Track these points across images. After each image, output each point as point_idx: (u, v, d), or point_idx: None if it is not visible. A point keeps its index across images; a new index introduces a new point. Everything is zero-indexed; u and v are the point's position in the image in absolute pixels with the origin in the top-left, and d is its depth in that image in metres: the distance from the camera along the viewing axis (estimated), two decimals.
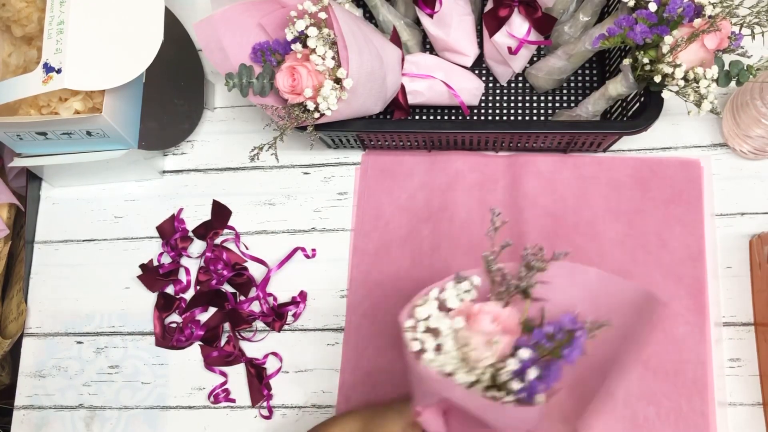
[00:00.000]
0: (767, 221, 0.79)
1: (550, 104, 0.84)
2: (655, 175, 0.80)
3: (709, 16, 0.62)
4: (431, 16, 0.80)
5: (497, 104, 0.85)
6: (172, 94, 0.84)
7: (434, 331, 0.51)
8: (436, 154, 0.83)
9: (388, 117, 0.84)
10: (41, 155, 0.80)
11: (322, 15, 0.68)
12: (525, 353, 0.49)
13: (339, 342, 0.80)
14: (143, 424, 0.80)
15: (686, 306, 0.75)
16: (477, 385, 0.51)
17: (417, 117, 0.85)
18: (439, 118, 0.85)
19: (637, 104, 0.74)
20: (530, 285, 0.54)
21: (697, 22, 0.62)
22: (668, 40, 0.63)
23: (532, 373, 0.48)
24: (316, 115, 0.70)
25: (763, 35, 0.64)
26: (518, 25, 0.78)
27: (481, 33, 0.85)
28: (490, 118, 0.85)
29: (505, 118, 0.84)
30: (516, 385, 0.49)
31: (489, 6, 0.79)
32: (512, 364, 0.49)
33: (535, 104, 0.84)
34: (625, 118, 0.77)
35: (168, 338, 0.82)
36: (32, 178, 0.88)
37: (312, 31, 0.67)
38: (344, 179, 0.85)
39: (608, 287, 0.56)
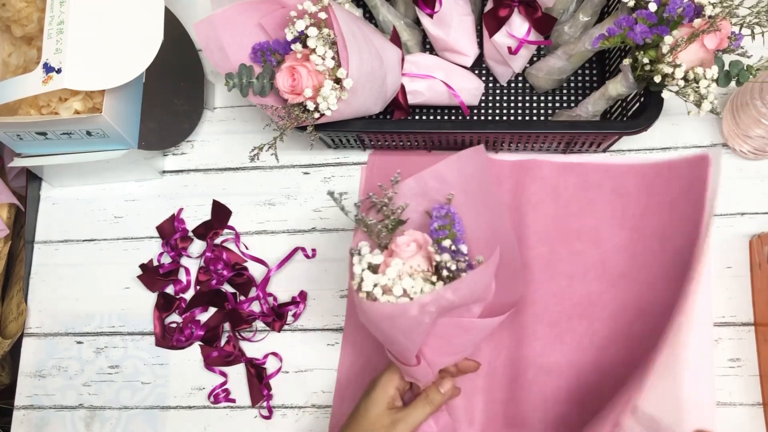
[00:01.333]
0: (767, 221, 0.79)
1: (550, 104, 0.84)
2: (662, 177, 0.79)
3: (709, 16, 0.62)
4: (431, 16, 0.80)
5: (497, 104, 0.85)
6: (172, 94, 0.84)
7: (385, 288, 0.60)
8: (440, 154, 0.83)
9: (388, 117, 0.84)
10: (41, 155, 0.80)
11: (322, 15, 0.67)
12: (444, 245, 0.63)
13: (339, 342, 0.80)
14: (143, 424, 0.80)
15: (688, 314, 0.74)
16: (439, 284, 0.61)
17: (417, 117, 0.85)
18: (439, 118, 0.85)
19: (637, 104, 0.74)
20: (396, 216, 0.65)
21: (697, 22, 0.62)
22: (668, 40, 0.63)
23: (450, 244, 0.63)
24: (316, 115, 0.70)
25: (763, 35, 0.64)
26: (518, 25, 0.78)
27: (481, 33, 0.85)
28: (490, 118, 0.85)
29: (505, 118, 0.84)
30: (452, 263, 0.61)
31: (489, 6, 0.79)
32: (443, 256, 0.62)
33: (535, 104, 0.84)
34: (625, 118, 0.77)
35: (168, 338, 0.82)
36: (32, 178, 0.88)
37: (312, 31, 0.67)
38: (344, 179, 0.85)
39: (441, 174, 0.69)
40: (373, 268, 0.61)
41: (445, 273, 0.61)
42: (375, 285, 0.59)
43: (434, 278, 0.62)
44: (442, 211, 0.66)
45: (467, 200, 0.68)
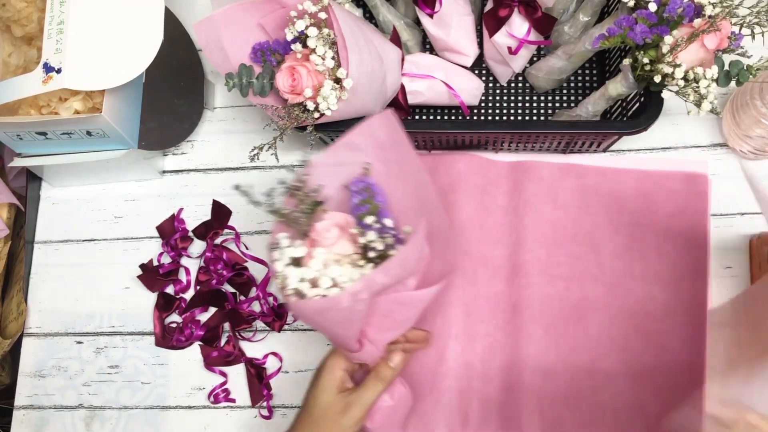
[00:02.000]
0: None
1: (550, 104, 0.84)
2: (660, 187, 0.79)
3: (709, 16, 0.62)
4: (431, 16, 0.80)
5: (497, 104, 0.85)
6: (172, 94, 0.84)
7: (313, 281, 0.56)
8: (440, 155, 0.83)
9: None
10: (41, 155, 0.80)
11: (322, 15, 0.67)
12: (367, 222, 0.60)
13: None
14: (143, 424, 0.80)
15: (684, 322, 0.74)
16: (368, 271, 0.58)
17: (417, 117, 0.85)
18: (439, 118, 0.85)
19: (637, 104, 0.74)
20: (312, 200, 0.61)
21: (697, 22, 0.62)
22: (668, 40, 0.63)
23: (374, 220, 0.60)
24: (316, 115, 0.70)
25: (763, 35, 0.64)
26: (518, 25, 0.78)
27: (481, 33, 0.85)
28: (490, 118, 0.84)
29: (505, 118, 0.84)
30: (378, 242, 0.58)
31: (489, 6, 0.79)
32: (368, 236, 0.59)
33: (535, 104, 0.84)
34: (625, 118, 0.77)
35: (168, 338, 0.82)
36: (32, 178, 0.88)
37: (312, 31, 0.67)
38: None
39: (355, 144, 0.65)
40: (297, 262, 0.58)
41: (372, 254, 0.58)
42: (301, 280, 0.56)
43: (362, 261, 0.59)
44: (361, 184, 0.62)
45: (386, 170, 0.64)
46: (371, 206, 0.61)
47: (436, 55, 0.85)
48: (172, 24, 0.86)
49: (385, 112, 0.64)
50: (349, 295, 0.55)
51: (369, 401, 0.63)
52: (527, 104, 0.85)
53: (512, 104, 0.85)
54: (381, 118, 0.64)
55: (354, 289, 0.55)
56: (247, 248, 0.84)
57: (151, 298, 0.84)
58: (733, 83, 0.65)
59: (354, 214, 0.61)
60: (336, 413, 0.62)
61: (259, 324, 0.81)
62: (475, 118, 0.85)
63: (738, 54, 0.65)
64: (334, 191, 0.64)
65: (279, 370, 0.80)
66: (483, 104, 0.85)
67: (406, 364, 0.67)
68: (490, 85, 0.85)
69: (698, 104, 0.64)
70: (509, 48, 0.79)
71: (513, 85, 0.85)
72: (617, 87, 0.71)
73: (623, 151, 0.82)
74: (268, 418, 0.79)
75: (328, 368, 0.64)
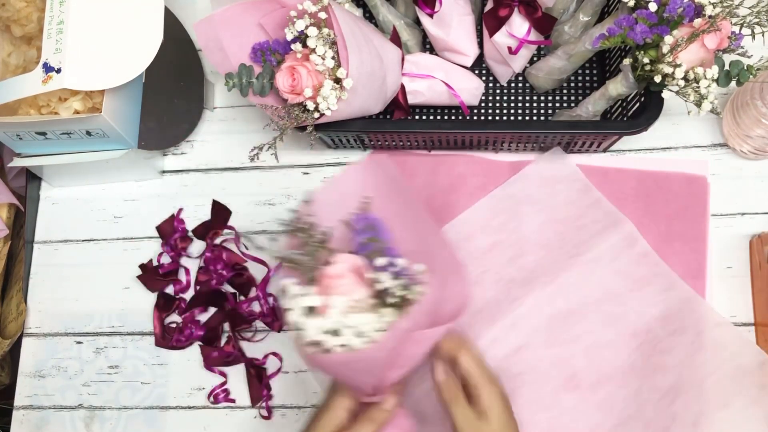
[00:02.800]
0: (767, 221, 0.79)
1: (550, 104, 0.84)
2: (660, 189, 0.79)
3: (709, 16, 0.62)
4: (431, 16, 0.80)
5: (497, 104, 0.85)
6: (172, 94, 0.84)
7: (335, 331, 0.53)
8: (440, 155, 0.83)
9: (388, 117, 0.84)
10: (41, 155, 0.80)
11: (322, 15, 0.67)
12: (379, 263, 0.55)
13: None
14: (143, 424, 0.80)
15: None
16: (389, 316, 0.54)
17: (417, 117, 0.85)
18: (439, 118, 0.85)
19: (637, 104, 0.74)
20: (318, 240, 0.57)
21: (697, 22, 0.62)
22: (668, 40, 0.63)
23: (387, 263, 0.55)
24: (316, 115, 0.70)
25: (763, 35, 0.64)
26: (518, 25, 0.78)
27: (481, 33, 0.85)
28: (490, 118, 0.84)
29: (505, 118, 0.84)
30: (398, 288, 0.54)
31: (489, 6, 0.79)
32: (383, 280, 0.54)
33: (535, 104, 0.84)
34: (625, 118, 0.77)
35: (168, 338, 0.82)
36: (32, 178, 0.88)
37: (312, 31, 0.67)
38: None
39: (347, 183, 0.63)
40: (312, 310, 0.54)
41: (390, 300, 0.54)
42: (322, 332, 0.52)
43: (377, 304, 0.55)
44: (364, 221, 0.58)
45: (385, 206, 0.61)
46: (379, 245, 0.57)
47: (436, 55, 0.85)
48: (172, 24, 0.86)
49: (372, 158, 0.62)
50: (380, 347, 0.52)
51: None
52: (527, 104, 0.85)
53: (512, 104, 0.85)
54: (370, 164, 0.63)
55: (386, 341, 0.52)
56: (246, 248, 0.84)
57: (151, 298, 0.84)
58: (733, 83, 0.65)
59: (360, 253, 0.57)
60: None
61: (259, 324, 0.81)
62: (475, 118, 0.85)
63: (738, 54, 0.65)
64: (334, 228, 0.60)
65: (279, 370, 0.80)
66: (483, 104, 0.85)
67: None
68: (490, 85, 0.85)
69: (698, 104, 0.64)
70: (509, 48, 0.79)
71: (513, 85, 0.85)
72: (617, 87, 0.71)
73: (623, 151, 0.82)
74: (268, 418, 0.79)
75: (332, 408, 0.59)
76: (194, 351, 0.82)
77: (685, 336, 0.73)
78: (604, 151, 0.81)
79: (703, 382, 0.71)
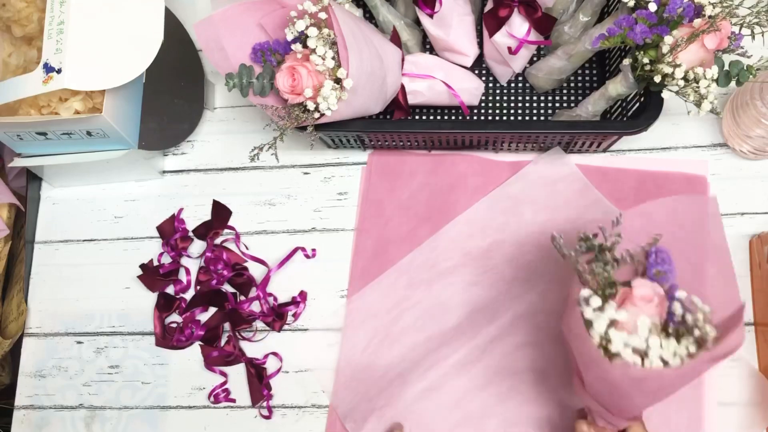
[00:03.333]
0: (767, 221, 0.79)
1: (550, 104, 0.84)
2: (660, 189, 0.79)
3: (709, 16, 0.62)
4: (431, 16, 0.80)
5: (497, 104, 0.85)
6: (172, 94, 0.84)
7: (637, 350, 0.54)
8: (440, 155, 0.83)
9: (388, 117, 0.84)
10: (41, 155, 0.80)
11: (322, 15, 0.68)
12: (679, 296, 0.56)
13: (339, 342, 0.80)
14: (143, 424, 0.80)
15: None
16: (685, 347, 0.55)
17: (417, 117, 0.85)
18: (439, 118, 0.85)
19: (637, 104, 0.74)
20: (614, 260, 0.59)
21: (697, 22, 0.62)
22: (668, 40, 0.63)
23: (684, 296, 0.56)
24: (316, 115, 0.70)
25: (763, 35, 0.64)
26: (518, 25, 0.78)
27: (481, 33, 0.85)
28: (490, 118, 0.84)
29: (505, 118, 0.84)
30: (702, 325, 0.54)
31: (489, 6, 0.79)
32: (677, 311, 0.56)
33: (535, 104, 0.84)
34: (625, 118, 0.77)
35: (168, 338, 0.82)
36: (32, 178, 0.88)
37: (312, 31, 0.67)
38: (344, 179, 0.85)
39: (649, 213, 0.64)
40: (613, 323, 0.55)
41: (687, 335, 0.55)
42: (625, 345, 0.54)
43: (663, 330, 0.56)
44: (663, 255, 0.59)
45: (676, 243, 0.61)
46: (667, 277, 0.58)
47: (436, 55, 0.85)
48: (172, 24, 0.86)
49: (700, 198, 0.63)
50: (684, 372, 0.53)
51: None
52: (527, 104, 0.85)
53: (512, 104, 0.85)
54: (690, 202, 0.64)
55: (690, 370, 0.53)
56: (247, 248, 0.84)
57: (152, 298, 0.84)
58: (733, 83, 0.65)
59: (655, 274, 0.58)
60: None
61: (259, 324, 0.81)
62: (475, 118, 0.85)
63: (738, 54, 0.65)
64: (635, 253, 0.60)
65: (279, 370, 0.80)
66: (483, 104, 0.85)
67: None
68: (490, 85, 0.85)
69: (698, 104, 0.64)
70: (509, 48, 0.79)
71: (513, 85, 0.85)
72: (617, 87, 0.71)
73: (623, 151, 0.82)
74: (268, 418, 0.79)
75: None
76: (194, 351, 0.82)
77: None
78: (604, 151, 0.81)
79: None
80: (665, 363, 0.54)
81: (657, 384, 0.54)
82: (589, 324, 0.55)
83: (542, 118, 0.84)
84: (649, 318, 0.55)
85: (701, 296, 0.57)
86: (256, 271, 0.83)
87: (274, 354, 0.80)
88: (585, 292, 0.57)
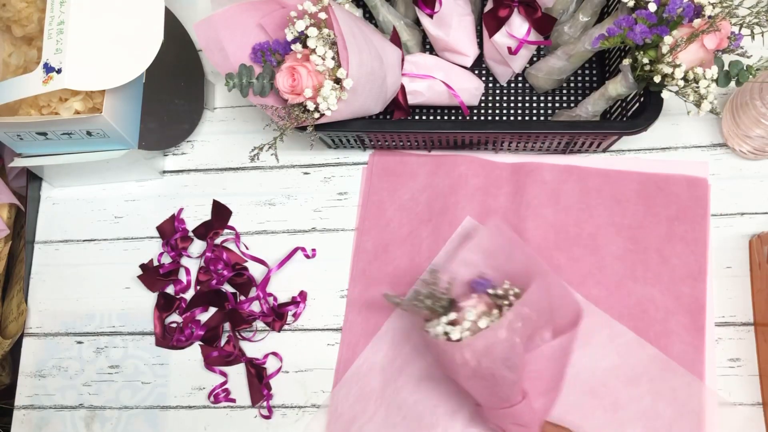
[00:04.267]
0: (767, 221, 0.79)
1: (550, 104, 0.84)
2: (661, 191, 0.79)
3: (709, 17, 0.62)
4: (431, 16, 0.80)
5: (497, 104, 0.85)
6: (172, 94, 0.84)
7: (473, 327, 0.64)
8: (441, 156, 0.83)
9: (388, 117, 0.84)
10: (41, 155, 0.80)
11: (322, 15, 0.68)
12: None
13: (339, 342, 0.80)
14: (143, 424, 0.80)
15: (683, 325, 0.75)
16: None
17: (417, 117, 0.85)
18: (439, 118, 0.85)
19: (637, 104, 0.74)
20: (446, 299, 0.68)
21: (697, 22, 0.62)
22: (668, 40, 0.63)
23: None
24: (316, 115, 0.70)
25: (762, 35, 0.64)
26: (518, 25, 0.78)
27: (481, 33, 0.85)
28: (490, 118, 0.85)
29: (505, 118, 0.84)
30: (511, 293, 0.66)
31: (489, 6, 0.79)
32: (497, 291, 0.67)
33: (535, 104, 0.84)
34: (624, 118, 0.77)
35: (168, 338, 0.82)
36: (32, 178, 0.88)
37: (312, 32, 0.67)
38: (344, 179, 0.85)
39: (467, 260, 0.73)
40: (452, 323, 0.65)
41: (506, 303, 0.65)
42: (463, 330, 0.63)
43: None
44: (483, 284, 0.69)
45: (497, 268, 0.71)
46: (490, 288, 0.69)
47: (436, 55, 0.85)
48: (172, 24, 0.86)
49: (495, 225, 0.72)
50: (506, 323, 0.62)
51: None
52: (527, 104, 0.85)
53: (512, 104, 0.85)
54: (489, 232, 0.72)
55: (508, 318, 0.62)
56: (247, 248, 0.84)
57: (152, 298, 0.84)
58: (732, 83, 0.65)
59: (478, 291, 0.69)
60: None
61: (259, 324, 0.81)
62: (475, 118, 0.85)
63: (738, 54, 0.65)
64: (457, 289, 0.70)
65: (279, 370, 0.80)
66: (483, 104, 0.85)
67: None
68: (490, 85, 0.85)
69: (698, 104, 0.64)
70: (509, 48, 0.79)
71: (513, 85, 0.85)
72: (617, 87, 0.71)
73: (623, 151, 0.82)
74: (268, 418, 0.79)
75: None
76: (194, 351, 0.82)
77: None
78: (604, 151, 0.81)
79: None
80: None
81: (500, 349, 0.61)
82: (436, 336, 0.64)
83: (542, 118, 0.84)
84: (476, 310, 0.65)
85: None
86: (256, 271, 0.83)
87: (274, 354, 0.80)
88: (430, 324, 0.66)
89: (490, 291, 0.66)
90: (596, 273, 0.77)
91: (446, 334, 0.64)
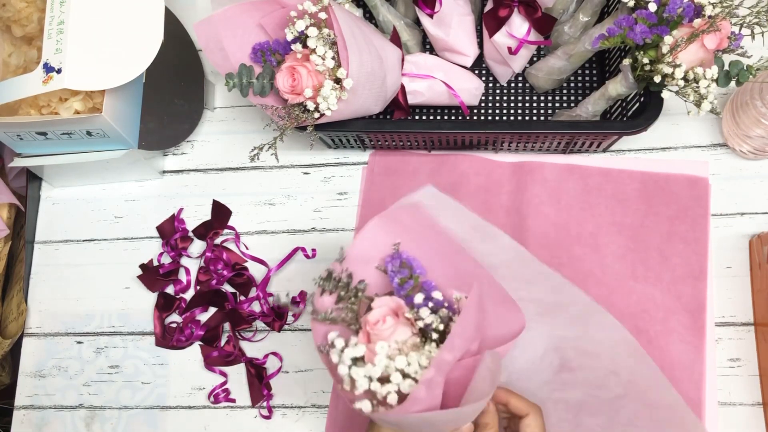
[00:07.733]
0: (767, 221, 0.79)
1: (550, 104, 0.84)
2: (662, 190, 0.79)
3: (709, 16, 0.62)
4: (431, 16, 0.80)
5: (497, 104, 0.85)
6: (172, 94, 0.84)
7: (381, 378, 0.52)
8: (442, 155, 0.83)
9: (388, 117, 0.84)
10: (41, 155, 0.81)
11: (322, 15, 0.68)
12: (417, 300, 0.56)
13: None
14: (143, 424, 0.80)
15: (684, 324, 0.75)
16: (432, 346, 0.54)
17: (417, 117, 0.85)
18: (439, 118, 0.85)
19: (637, 104, 0.74)
20: (355, 292, 0.57)
21: (697, 22, 0.62)
22: (668, 40, 0.63)
23: (424, 299, 0.56)
24: (316, 115, 0.70)
25: (763, 35, 0.64)
26: (518, 25, 0.78)
27: (481, 33, 0.85)
28: (490, 118, 0.85)
29: (505, 118, 0.84)
30: (436, 322, 0.54)
31: (489, 6, 0.79)
32: (424, 317, 0.55)
33: (535, 104, 0.84)
34: (625, 118, 0.77)
35: (168, 338, 0.82)
36: (32, 178, 0.88)
37: (312, 31, 0.67)
38: (344, 179, 0.85)
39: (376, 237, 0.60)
40: (359, 360, 0.54)
41: (434, 336, 0.54)
42: (370, 380, 0.52)
43: (421, 341, 0.55)
44: (396, 261, 0.58)
45: (417, 245, 0.59)
46: (414, 281, 0.57)
47: (436, 55, 0.85)
48: (172, 24, 0.86)
49: (408, 202, 0.60)
50: (424, 386, 0.50)
51: None
52: (527, 104, 0.85)
53: (512, 104, 0.85)
54: (402, 208, 0.60)
55: (427, 378, 0.50)
56: (247, 248, 0.84)
57: (151, 298, 0.84)
58: (733, 83, 0.65)
59: (400, 295, 0.57)
60: None
61: (259, 324, 0.81)
62: (475, 118, 0.85)
63: (738, 54, 0.65)
64: (369, 276, 0.59)
65: (279, 370, 0.80)
66: (483, 104, 0.85)
67: None
68: (490, 85, 0.85)
69: (698, 104, 0.64)
70: (509, 48, 0.79)
71: (513, 85, 0.85)
72: (617, 87, 0.71)
73: (623, 151, 0.82)
74: (268, 418, 0.79)
75: None
76: (194, 351, 0.82)
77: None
78: (604, 151, 0.81)
79: None
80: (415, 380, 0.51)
81: (422, 403, 0.51)
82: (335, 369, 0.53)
83: (542, 118, 0.84)
84: (395, 337, 0.53)
85: (453, 280, 0.57)
86: (256, 271, 0.83)
87: (274, 354, 0.80)
88: (332, 334, 0.54)
89: (418, 322, 0.55)
90: (597, 272, 0.77)
91: (350, 377, 0.51)
